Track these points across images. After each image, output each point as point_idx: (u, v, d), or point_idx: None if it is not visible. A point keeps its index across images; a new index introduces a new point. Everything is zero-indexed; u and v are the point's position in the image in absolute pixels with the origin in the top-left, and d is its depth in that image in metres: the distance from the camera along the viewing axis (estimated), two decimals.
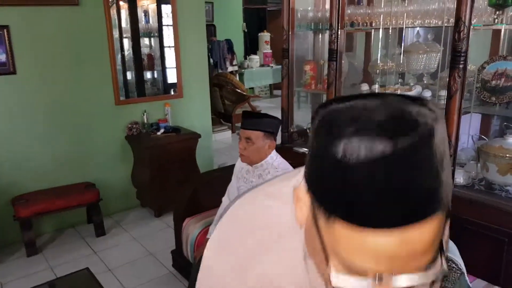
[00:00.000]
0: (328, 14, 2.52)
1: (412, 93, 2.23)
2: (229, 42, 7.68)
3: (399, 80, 2.52)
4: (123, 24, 3.84)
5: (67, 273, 2.77)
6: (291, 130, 2.99)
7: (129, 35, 3.90)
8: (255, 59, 8.82)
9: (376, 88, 2.39)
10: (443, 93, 2.05)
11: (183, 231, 2.62)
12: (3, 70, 3.06)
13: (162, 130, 3.74)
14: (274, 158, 2.07)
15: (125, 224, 3.60)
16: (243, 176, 2.15)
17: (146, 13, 4.05)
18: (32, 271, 2.89)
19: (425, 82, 2.39)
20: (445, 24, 1.99)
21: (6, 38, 3.02)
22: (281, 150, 2.20)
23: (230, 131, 6.65)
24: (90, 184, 3.42)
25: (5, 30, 3.01)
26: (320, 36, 3.02)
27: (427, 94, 2.20)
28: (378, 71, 2.44)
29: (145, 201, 3.86)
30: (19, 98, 3.18)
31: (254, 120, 2.01)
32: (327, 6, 2.55)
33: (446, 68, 2.03)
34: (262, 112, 7.13)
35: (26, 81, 3.18)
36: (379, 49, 2.47)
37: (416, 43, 2.33)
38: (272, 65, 8.90)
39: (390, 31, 2.29)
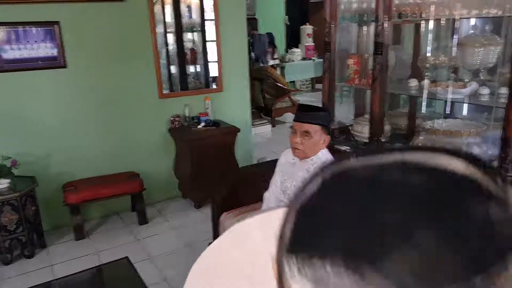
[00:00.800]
0: (374, 5, 2.41)
1: (467, 90, 2.09)
2: (270, 36, 7.62)
3: (452, 75, 2.37)
4: (167, 19, 3.89)
5: (110, 259, 2.88)
6: (332, 127, 2.90)
7: (173, 30, 3.94)
8: (297, 52, 8.70)
9: (426, 83, 2.26)
10: (503, 90, 1.90)
11: (220, 225, 2.62)
12: (54, 64, 3.19)
13: (202, 124, 3.77)
14: (324, 153, 2.01)
15: (167, 214, 3.68)
16: (288, 170, 2.11)
17: (189, 8, 4.07)
18: (79, 254, 3.04)
19: (481, 78, 2.22)
20: (507, 14, 1.84)
21: (58, 33, 3.15)
22: None
23: (270, 125, 6.62)
24: (134, 174, 3.52)
25: (56, 26, 3.13)
26: (365, 29, 2.90)
27: (485, 91, 2.05)
28: (428, 65, 2.30)
29: (186, 192, 3.92)
30: (69, 91, 3.33)
31: (312, 113, 1.91)
32: None
33: (507, 62, 1.88)
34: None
35: (75, 75, 3.31)
36: (430, 42, 2.34)
37: (472, 35, 2.17)
38: (314, 58, 8.74)
39: (443, 22, 2.15)
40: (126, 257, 2.05)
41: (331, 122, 2.02)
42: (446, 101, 2.18)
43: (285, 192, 2.10)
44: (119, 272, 1.99)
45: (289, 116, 6.53)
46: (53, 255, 3.04)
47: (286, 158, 2.15)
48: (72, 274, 1.98)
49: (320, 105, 2.94)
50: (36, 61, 3.12)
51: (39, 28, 3.09)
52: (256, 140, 5.86)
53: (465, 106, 2.42)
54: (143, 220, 3.46)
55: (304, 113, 1.93)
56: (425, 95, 2.26)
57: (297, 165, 2.06)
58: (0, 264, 2.91)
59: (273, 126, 6.64)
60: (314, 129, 1.91)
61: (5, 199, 2.79)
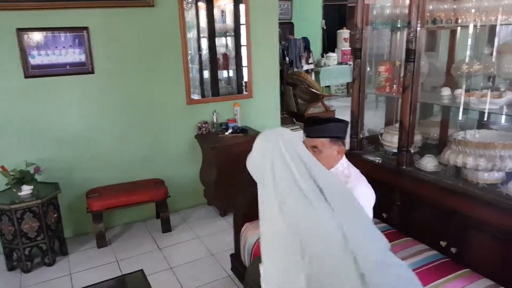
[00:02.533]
0: (407, 10, 2.28)
1: (503, 100, 1.93)
2: (305, 40, 7.52)
3: (488, 84, 2.20)
4: (201, 24, 3.90)
5: (129, 268, 2.88)
6: (361, 136, 2.78)
7: (206, 34, 3.96)
8: (333, 57, 8.56)
9: (459, 92, 2.11)
10: None
11: (242, 236, 2.57)
12: (82, 69, 3.24)
13: (230, 130, 3.75)
14: (345, 166, 1.93)
15: (191, 221, 3.67)
16: None
17: (223, 12, 4.08)
18: (100, 263, 3.05)
19: None
20: None
21: (86, 39, 3.20)
22: (349, 157, 2.04)
23: (301, 131, 6.51)
24: (159, 181, 3.53)
25: (85, 32, 3.18)
26: (398, 35, 2.77)
27: None
28: (462, 73, 2.15)
29: (212, 200, 3.90)
30: (97, 97, 3.37)
31: (317, 127, 1.87)
32: (407, 1, 2.31)
33: None
34: (335, 112, 6.85)
35: (103, 81, 3.36)
36: (468, 49, 2.18)
37: (510, 43, 2.01)
38: (350, 63, 8.56)
39: (479, 28, 2.00)
40: (141, 270, 2.03)
41: (345, 130, 1.94)
42: (480, 112, 2.03)
43: None
44: (133, 285, 1.98)
45: None
46: (73, 263, 3.06)
47: None
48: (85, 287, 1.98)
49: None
50: (64, 66, 3.18)
51: (67, 34, 3.14)
52: None
53: (501, 117, 2.25)
54: (166, 228, 3.46)
55: (308, 127, 1.89)
56: (458, 105, 2.11)
57: None
58: (20, 272, 2.93)
59: None
60: (321, 142, 1.86)
61: (26, 206, 2.81)
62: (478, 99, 2.00)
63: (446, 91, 2.27)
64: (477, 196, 1.96)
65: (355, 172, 1.93)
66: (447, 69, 2.50)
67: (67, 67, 3.19)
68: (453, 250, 2.10)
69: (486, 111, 2.00)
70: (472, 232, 2.01)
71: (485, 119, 2.19)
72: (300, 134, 6.41)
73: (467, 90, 2.13)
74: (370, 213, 1.87)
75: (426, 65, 2.48)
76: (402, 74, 2.45)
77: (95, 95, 3.36)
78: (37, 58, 3.09)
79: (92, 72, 3.28)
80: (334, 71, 8.45)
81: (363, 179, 1.91)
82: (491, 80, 2.28)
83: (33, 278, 2.88)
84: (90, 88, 3.33)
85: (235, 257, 2.73)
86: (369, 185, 1.88)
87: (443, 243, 2.15)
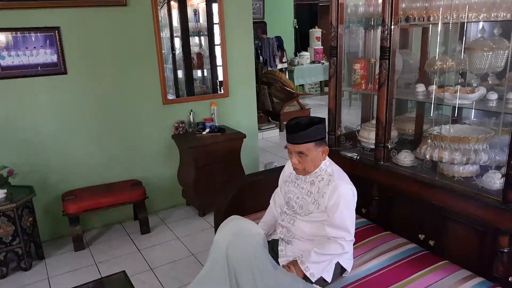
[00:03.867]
0: (380, 9, 2.33)
1: (475, 95, 2.00)
2: (279, 39, 7.56)
3: (460, 80, 2.28)
4: (174, 23, 3.86)
5: (109, 271, 2.83)
6: (339, 133, 2.83)
7: (179, 34, 3.91)
8: (306, 55, 8.65)
9: (433, 88, 2.18)
10: None
11: None
12: (54, 70, 3.16)
13: (207, 130, 3.73)
14: (328, 164, 1.96)
15: (170, 222, 3.63)
16: (293, 180, 2.06)
17: (195, 12, 4.04)
18: (78, 266, 2.99)
19: (490, 82, 2.13)
20: None
21: (57, 39, 3.11)
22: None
23: (278, 130, 6.55)
24: (137, 182, 3.48)
25: (56, 32, 3.10)
26: (372, 33, 2.82)
27: (493, 96, 1.96)
28: (435, 70, 2.21)
29: (190, 200, 3.87)
30: (70, 97, 3.28)
31: (301, 132, 1.84)
32: (380, 0, 2.36)
33: None
34: (310, 110, 6.91)
35: (76, 81, 3.27)
36: (438, 46, 2.25)
37: (480, 39, 2.08)
38: (323, 61, 8.68)
39: (450, 26, 2.06)
40: (123, 271, 2.00)
41: (325, 129, 1.96)
42: (454, 107, 2.09)
43: (288, 204, 2.04)
44: (115, 286, 1.94)
45: None
46: (51, 267, 2.98)
47: (289, 169, 2.10)
48: None
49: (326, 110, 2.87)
50: (35, 67, 3.09)
51: (38, 34, 3.05)
52: (264, 144, 5.80)
53: (473, 112, 2.34)
54: (145, 229, 3.41)
55: (293, 134, 1.86)
56: (432, 101, 2.18)
57: (301, 178, 2.01)
58: None
59: (281, 130, 6.57)
60: (307, 147, 1.85)
61: (1, 211, 2.72)
62: (451, 94, 2.06)
63: (420, 87, 2.33)
64: (453, 189, 2.02)
65: (337, 170, 1.95)
66: (420, 66, 2.57)
67: (39, 68, 3.10)
68: (431, 243, 2.16)
69: (457, 106, 2.07)
70: (449, 224, 2.08)
71: (458, 114, 2.26)
72: (275, 133, 6.46)
73: (440, 86, 2.20)
74: (353, 211, 1.90)
75: (400, 62, 2.53)
76: (377, 72, 2.50)
77: (68, 96, 3.27)
78: (7, 59, 2.99)
79: (65, 72, 3.20)
80: (307, 70, 8.55)
81: (345, 177, 1.94)
82: (462, 76, 2.36)
83: (9, 284, 2.80)
84: (63, 89, 3.24)
85: None
86: (351, 183, 1.92)
87: (421, 236, 2.21)
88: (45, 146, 3.24)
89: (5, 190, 2.81)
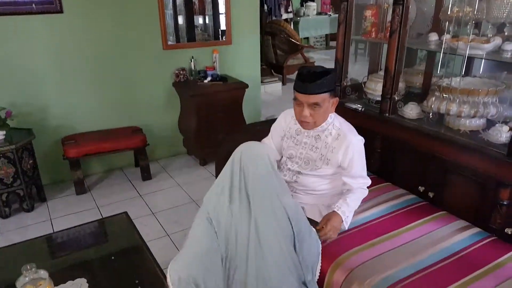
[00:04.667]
0: None
1: (490, 45, 1.92)
2: None
3: (474, 30, 2.18)
4: None
5: (111, 214, 2.83)
6: (345, 84, 2.76)
7: None
8: (312, 6, 8.32)
9: (446, 37, 2.08)
10: None
11: None
12: (49, 8, 3.00)
13: (209, 78, 3.65)
14: (333, 117, 1.87)
15: (171, 170, 3.64)
16: (293, 136, 1.97)
17: None
18: (80, 209, 3.03)
19: (506, 34, 2.04)
20: None
21: None
22: None
23: (280, 83, 6.44)
24: (137, 128, 3.45)
25: None
26: None
27: (509, 47, 1.87)
28: (452, 17, 2.11)
29: (191, 149, 3.87)
30: (66, 38, 3.16)
31: (319, 82, 1.69)
32: None
33: None
34: (314, 64, 6.77)
35: (73, 21, 3.14)
36: None
37: None
38: (330, 13, 8.37)
39: None
40: (125, 212, 2.01)
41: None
42: (465, 58, 2.02)
43: (291, 160, 1.97)
44: (117, 226, 1.96)
45: None
46: (53, 209, 3.02)
47: (287, 123, 2.00)
48: (67, 229, 1.96)
49: (333, 63, 2.77)
50: (29, 4, 2.94)
51: None
52: (266, 98, 5.73)
53: (485, 65, 2.26)
54: (146, 176, 3.43)
55: (310, 84, 1.70)
56: (445, 50, 2.09)
57: (302, 132, 1.93)
58: None
59: (284, 84, 6.46)
60: (323, 98, 1.74)
61: (0, 152, 2.71)
62: (465, 43, 1.98)
63: (433, 36, 2.24)
64: (458, 142, 1.99)
65: (343, 122, 1.90)
66: (434, 14, 2.46)
67: (33, 5, 2.95)
68: (430, 194, 2.17)
69: (469, 56, 2.00)
70: (451, 177, 2.07)
71: (470, 66, 2.19)
72: (278, 86, 6.35)
73: (454, 36, 2.11)
74: (363, 161, 1.90)
75: (414, 9, 2.42)
76: (389, 19, 2.39)
77: (65, 36, 3.14)
78: None
79: (61, 11, 3.05)
80: (313, 22, 8.26)
81: (353, 129, 1.89)
82: (476, 27, 2.25)
83: (12, 224, 2.85)
84: (60, 29, 3.11)
85: None
86: (359, 135, 1.90)
87: (421, 188, 2.21)
88: (43, 88, 3.17)
89: (4, 132, 2.79)
